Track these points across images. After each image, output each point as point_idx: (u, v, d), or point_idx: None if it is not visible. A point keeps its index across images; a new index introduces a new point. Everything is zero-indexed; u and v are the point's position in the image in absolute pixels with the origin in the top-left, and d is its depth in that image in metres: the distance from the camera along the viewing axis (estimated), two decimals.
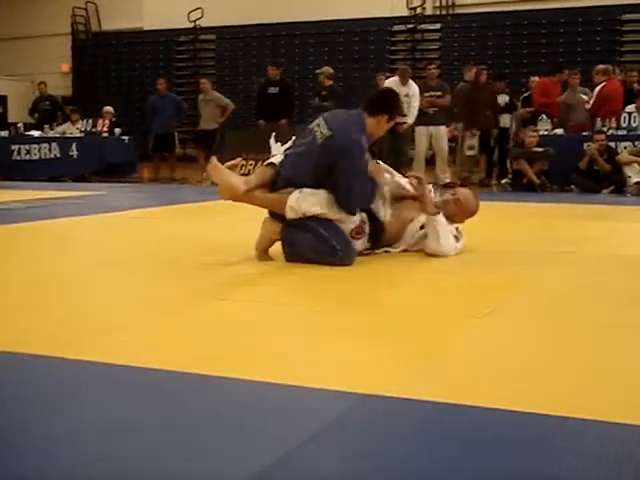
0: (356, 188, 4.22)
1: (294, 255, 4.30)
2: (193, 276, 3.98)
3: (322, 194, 4.22)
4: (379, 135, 4.52)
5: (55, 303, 3.40)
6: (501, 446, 1.82)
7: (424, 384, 2.26)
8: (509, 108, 11.90)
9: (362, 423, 2.00)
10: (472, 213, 4.82)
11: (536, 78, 11.90)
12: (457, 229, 4.63)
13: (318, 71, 12.34)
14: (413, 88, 10.90)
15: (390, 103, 4.47)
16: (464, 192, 4.81)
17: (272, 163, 4.42)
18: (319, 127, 4.30)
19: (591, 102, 10.83)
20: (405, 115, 4.77)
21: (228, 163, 4.38)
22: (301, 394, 2.18)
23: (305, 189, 4.22)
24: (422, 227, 4.57)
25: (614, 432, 1.91)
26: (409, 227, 4.58)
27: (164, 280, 3.92)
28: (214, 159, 4.37)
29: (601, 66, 11.04)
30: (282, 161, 4.39)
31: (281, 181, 4.31)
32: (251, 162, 11.21)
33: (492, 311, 3.21)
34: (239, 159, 4.75)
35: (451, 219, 4.66)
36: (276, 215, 4.35)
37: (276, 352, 2.62)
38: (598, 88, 10.80)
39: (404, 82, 10.92)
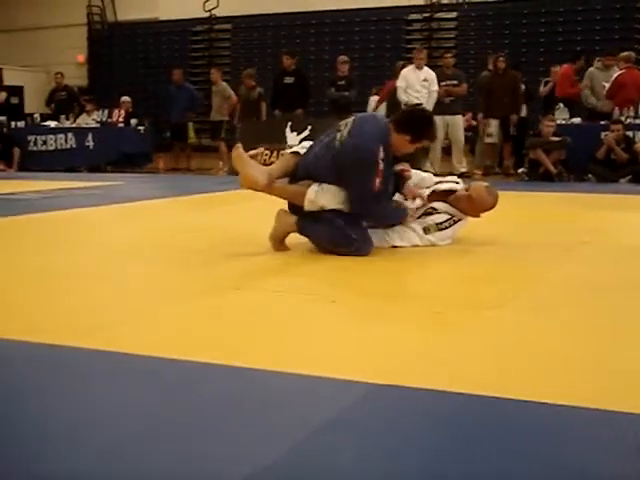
0: (363, 202, 4.20)
1: (314, 244, 4.36)
2: (209, 266, 3.99)
3: (342, 191, 4.21)
4: (405, 152, 4.36)
5: (72, 293, 3.41)
6: (514, 436, 1.82)
7: (438, 374, 2.26)
8: (525, 97, 11.83)
9: (376, 412, 2.00)
10: (486, 209, 4.67)
11: (558, 67, 11.83)
12: (439, 224, 4.54)
13: (342, 59, 12.25)
14: (431, 73, 10.89)
15: (416, 126, 4.26)
16: (477, 189, 4.67)
17: (297, 152, 4.41)
18: (345, 127, 4.24)
19: (607, 88, 10.84)
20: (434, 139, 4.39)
21: (251, 152, 4.37)
22: (315, 383, 2.19)
23: (325, 184, 4.22)
24: (425, 214, 4.58)
25: (629, 423, 1.90)
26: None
27: (180, 270, 3.93)
28: (239, 147, 4.36)
29: (624, 53, 11.03)
30: (306, 153, 4.38)
31: (301, 173, 4.32)
32: (266, 152, 11.21)
33: (508, 302, 3.20)
34: (261, 149, 4.74)
35: (465, 213, 4.63)
36: (292, 208, 4.36)
37: (290, 341, 2.63)
38: (615, 74, 10.80)
39: (420, 65, 10.88)
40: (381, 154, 4.11)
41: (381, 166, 4.11)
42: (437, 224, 4.53)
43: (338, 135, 4.24)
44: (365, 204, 4.20)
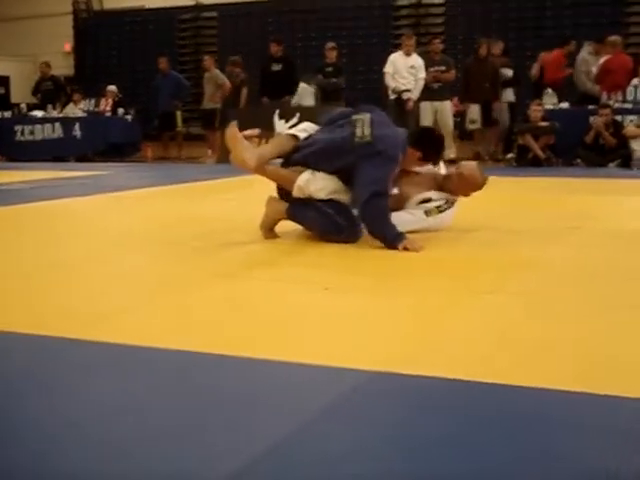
0: (370, 185, 4.06)
1: (307, 230, 4.36)
2: (200, 255, 3.98)
3: (333, 180, 4.20)
4: (407, 167, 4.38)
5: (66, 284, 3.40)
6: (505, 421, 1.84)
7: (431, 361, 2.27)
8: (513, 82, 11.82)
9: (371, 400, 2.01)
10: (478, 187, 4.65)
11: (547, 53, 11.79)
12: (439, 207, 4.54)
13: (329, 45, 12.19)
14: (418, 60, 10.91)
15: (432, 146, 4.33)
16: (468, 166, 4.70)
17: (295, 136, 4.35)
18: (362, 125, 4.16)
19: (595, 73, 10.88)
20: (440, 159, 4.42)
21: (245, 132, 4.34)
22: (310, 372, 2.19)
23: (317, 172, 4.20)
24: (423, 202, 4.56)
25: (617, 406, 1.91)
26: (407, 203, 4.55)
27: (172, 260, 3.92)
28: (234, 126, 4.31)
29: (611, 37, 11.03)
30: (308, 140, 4.32)
31: (299, 159, 4.27)
32: (255, 139, 11.16)
33: (499, 288, 3.21)
34: (257, 130, 4.69)
35: (455, 193, 4.62)
36: (281, 195, 4.34)
37: (284, 330, 2.63)
38: (602, 60, 10.83)
39: (408, 51, 10.89)
40: (400, 159, 4.15)
41: (396, 170, 4.16)
42: (437, 207, 4.55)
43: (358, 131, 4.14)
44: (369, 189, 4.04)
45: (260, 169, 4.29)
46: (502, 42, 11.94)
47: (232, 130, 4.28)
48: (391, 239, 4.04)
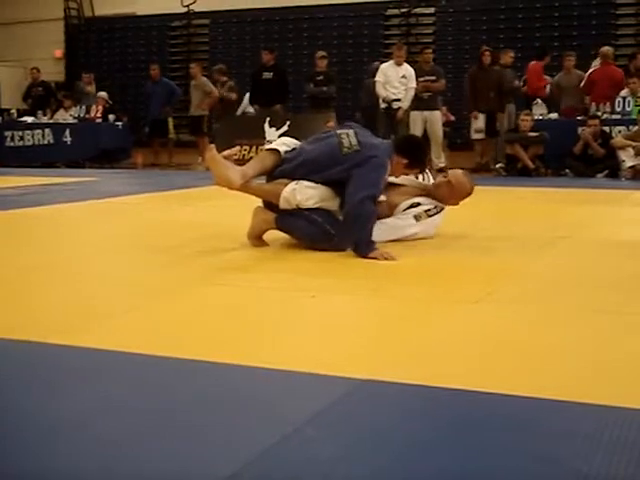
0: (362, 190, 4.07)
1: (295, 239, 4.34)
2: (188, 262, 3.98)
3: (320, 188, 4.20)
4: (394, 175, 4.44)
5: (51, 290, 3.40)
6: (492, 429, 1.84)
7: (419, 369, 2.27)
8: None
9: (359, 408, 2.01)
10: (466, 194, 4.71)
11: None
12: (427, 211, 4.59)
13: (320, 54, 12.23)
14: (409, 70, 10.94)
15: (417, 153, 4.42)
16: (456, 175, 4.72)
17: (276, 150, 4.36)
18: (347, 137, 4.23)
19: (582, 84, 11.00)
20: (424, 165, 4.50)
21: (224, 152, 4.33)
22: (297, 379, 2.19)
23: (302, 181, 4.20)
24: (411, 206, 4.59)
25: (605, 415, 1.92)
26: (395, 210, 4.57)
27: (159, 266, 3.91)
28: (212, 148, 4.33)
29: (603, 49, 11.12)
30: (293, 152, 4.33)
31: (288, 170, 4.27)
32: (245, 148, 11.19)
33: (486, 296, 3.22)
34: (236, 148, 4.69)
35: (445, 202, 4.66)
36: (269, 205, 4.34)
37: (271, 337, 2.64)
38: (589, 71, 10.94)
39: (399, 62, 10.93)
40: (388, 167, 4.21)
41: (386, 177, 4.21)
42: (426, 211, 4.58)
43: (345, 142, 4.21)
44: (365, 191, 4.05)
45: (244, 187, 4.29)
46: (511, 51, 11.94)
47: (211, 153, 4.27)
48: (363, 245, 4.04)
